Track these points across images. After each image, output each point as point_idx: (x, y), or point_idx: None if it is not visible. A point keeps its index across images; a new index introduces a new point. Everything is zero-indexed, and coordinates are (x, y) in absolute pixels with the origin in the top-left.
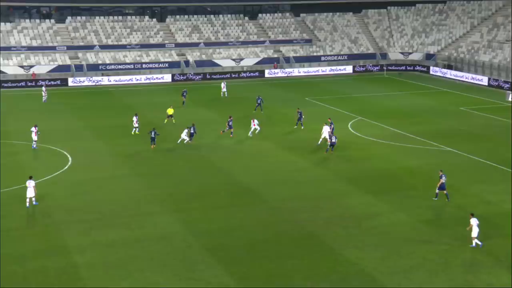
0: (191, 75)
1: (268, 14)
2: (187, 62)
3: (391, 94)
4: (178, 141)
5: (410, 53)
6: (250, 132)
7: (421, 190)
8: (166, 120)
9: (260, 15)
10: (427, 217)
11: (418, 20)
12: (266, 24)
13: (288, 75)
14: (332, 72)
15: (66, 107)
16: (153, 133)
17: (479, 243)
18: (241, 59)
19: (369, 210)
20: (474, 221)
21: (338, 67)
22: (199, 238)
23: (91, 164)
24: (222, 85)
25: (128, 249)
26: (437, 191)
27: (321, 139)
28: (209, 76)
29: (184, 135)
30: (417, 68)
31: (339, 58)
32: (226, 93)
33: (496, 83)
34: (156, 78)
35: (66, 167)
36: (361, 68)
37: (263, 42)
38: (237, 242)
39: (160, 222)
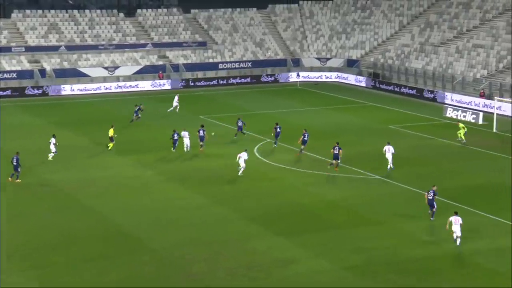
0: (47, 87)
1: (149, 10)
2: (43, 72)
3: (306, 110)
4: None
5: (328, 59)
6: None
7: (345, 229)
8: (110, 146)
9: (139, 11)
10: (354, 262)
11: (336, 18)
12: (148, 22)
13: (174, 87)
14: (233, 83)
15: None
16: (15, 160)
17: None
18: (116, 68)
19: (282, 256)
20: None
21: (240, 77)
22: None
23: None
24: (175, 98)
25: None
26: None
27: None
28: (72, 90)
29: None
30: (337, 77)
31: (242, 65)
32: (178, 107)
33: (432, 95)
34: None
35: None
36: (269, 78)
37: (144, 45)
38: None
39: (7, 284)
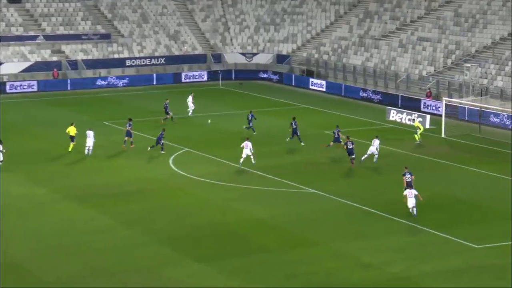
0: None
1: None
2: None
3: (230, 114)
4: None
5: (254, 54)
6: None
7: (276, 252)
8: (71, 146)
9: None
10: None
11: (263, 6)
12: (38, 10)
13: (74, 87)
14: (142, 82)
15: None
16: None
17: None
18: None
19: (204, 285)
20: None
21: (152, 75)
22: None
23: None
24: (189, 99)
25: None
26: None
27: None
28: None
29: None
30: (265, 75)
31: (153, 61)
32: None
33: (373, 96)
34: None
35: None
36: (186, 76)
37: (34, 38)
38: None
39: None
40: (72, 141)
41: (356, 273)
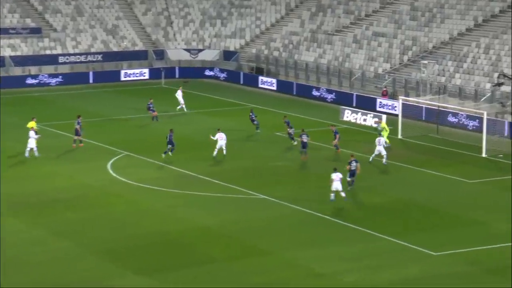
0: None
1: None
2: None
3: (174, 114)
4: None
5: (200, 51)
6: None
7: (224, 262)
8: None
9: None
10: None
11: None
12: None
13: (4, 87)
14: (77, 81)
15: None
16: None
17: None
18: None
19: None
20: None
21: (88, 73)
22: None
23: None
24: (178, 93)
25: None
26: (348, 178)
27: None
28: None
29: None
30: (212, 73)
31: (90, 58)
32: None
33: (326, 94)
34: None
35: None
36: (126, 74)
37: None
38: None
39: None
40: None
41: (308, 283)
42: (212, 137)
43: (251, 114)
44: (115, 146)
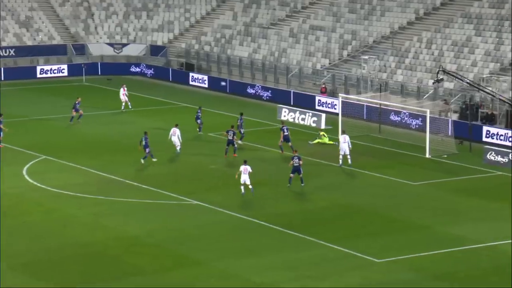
0: None
1: None
2: None
3: (96, 114)
4: None
5: (124, 45)
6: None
7: (153, 275)
8: None
9: None
10: None
11: None
12: None
13: None
14: None
15: None
16: None
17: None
18: None
19: None
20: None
21: None
22: None
23: None
24: (121, 91)
25: None
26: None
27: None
28: None
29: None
30: (138, 69)
31: (0, 53)
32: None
33: (261, 92)
34: None
35: None
36: (42, 71)
37: None
38: None
39: None
40: None
41: None
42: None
43: (198, 112)
44: (31, 150)
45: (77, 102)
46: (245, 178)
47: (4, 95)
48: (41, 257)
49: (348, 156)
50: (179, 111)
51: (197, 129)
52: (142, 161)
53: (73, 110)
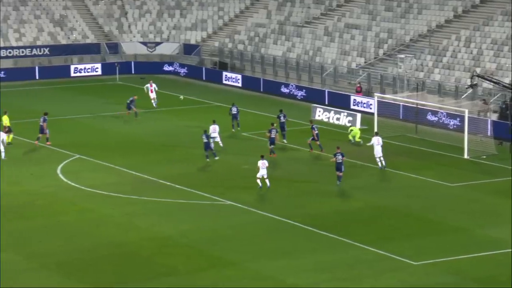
0: None
1: None
2: None
3: (130, 114)
4: None
5: (158, 44)
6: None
7: (186, 276)
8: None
9: None
10: None
11: None
12: None
13: None
14: (23, 77)
15: None
16: None
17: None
18: None
19: None
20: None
21: (34, 68)
22: None
23: None
24: (148, 87)
25: None
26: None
27: None
28: None
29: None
30: (171, 68)
31: (35, 52)
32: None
33: (300, 93)
34: None
35: None
36: (76, 70)
37: None
38: None
39: None
40: (9, 132)
41: None
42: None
43: (233, 109)
44: (65, 149)
45: (132, 98)
46: (263, 173)
47: (38, 94)
48: (75, 256)
49: (381, 158)
50: (212, 110)
51: (237, 127)
52: (216, 158)
53: (129, 108)
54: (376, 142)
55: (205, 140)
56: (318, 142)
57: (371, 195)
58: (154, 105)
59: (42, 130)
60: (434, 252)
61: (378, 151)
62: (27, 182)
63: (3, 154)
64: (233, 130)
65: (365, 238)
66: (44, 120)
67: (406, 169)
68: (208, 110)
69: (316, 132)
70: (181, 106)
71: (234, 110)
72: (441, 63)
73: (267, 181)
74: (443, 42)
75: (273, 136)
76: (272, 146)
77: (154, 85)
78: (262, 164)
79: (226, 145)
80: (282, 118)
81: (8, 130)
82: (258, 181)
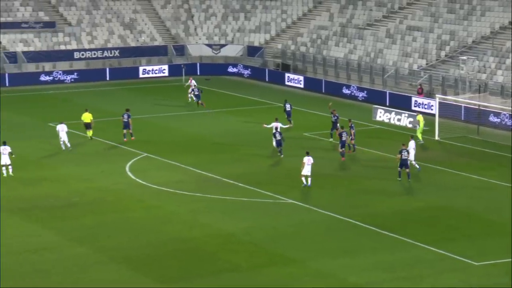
0: None
1: None
2: None
3: (195, 113)
4: None
5: (222, 46)
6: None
7: (248, 272)
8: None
9: None
10: None
11: None
12: None
13: (16, 85)
14: (94, 78)
15: None
16: None
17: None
18: None
19: None
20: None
21: (104, 69)
22: None
23: None
24: (191, 83)
25: None
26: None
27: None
28: None
29: None
30: (235, 69)
31: (106, 54)
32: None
33: (357, 93)
34: None
35: None
36: (145, 71)
37: None
38: None
39: None
40: (89, 128)
41: None
42: (266, 125)
43: (286, 104)
44: (134, 147)
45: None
46: (308, 170)
47: (109, 94)
48: (142, 251)
49: (414, 162)
50: (275, 110)
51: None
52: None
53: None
54: (412, 145)
55: (278, 138)
56: (353, 141)
57: (432, 195)
58: (191, 101)
59: (127, 126)
60: (495, 253)
61: (411, 155)
62: (97, 179)
63: (68, 144)
64: (290, 125)
65: (426, 238)
66: (129, 116)
67: (468, 170)
68: (271, 110)
69: (353, 131)
70: (245, 106)
71: (287, 107)
72: (504, 64)
73: (309, 179)
74: (506, 44)
75: (343, 139)
76: (343, 149)
77: (193, 82)
78: (308, 161)
79: (288, 145)
80: (288, 107)
81: (88, 126)
82: (303, 178)
